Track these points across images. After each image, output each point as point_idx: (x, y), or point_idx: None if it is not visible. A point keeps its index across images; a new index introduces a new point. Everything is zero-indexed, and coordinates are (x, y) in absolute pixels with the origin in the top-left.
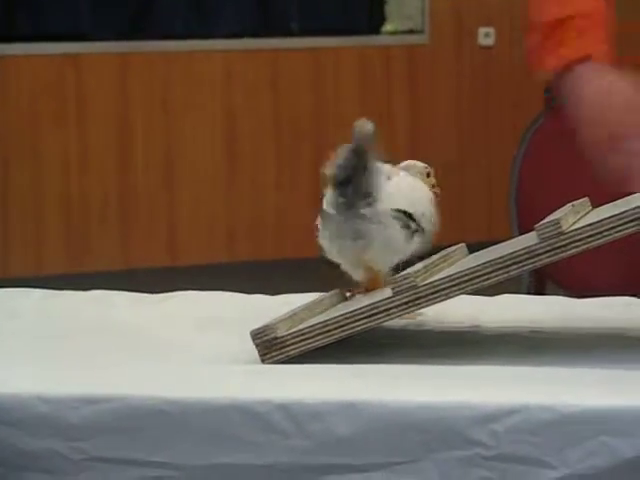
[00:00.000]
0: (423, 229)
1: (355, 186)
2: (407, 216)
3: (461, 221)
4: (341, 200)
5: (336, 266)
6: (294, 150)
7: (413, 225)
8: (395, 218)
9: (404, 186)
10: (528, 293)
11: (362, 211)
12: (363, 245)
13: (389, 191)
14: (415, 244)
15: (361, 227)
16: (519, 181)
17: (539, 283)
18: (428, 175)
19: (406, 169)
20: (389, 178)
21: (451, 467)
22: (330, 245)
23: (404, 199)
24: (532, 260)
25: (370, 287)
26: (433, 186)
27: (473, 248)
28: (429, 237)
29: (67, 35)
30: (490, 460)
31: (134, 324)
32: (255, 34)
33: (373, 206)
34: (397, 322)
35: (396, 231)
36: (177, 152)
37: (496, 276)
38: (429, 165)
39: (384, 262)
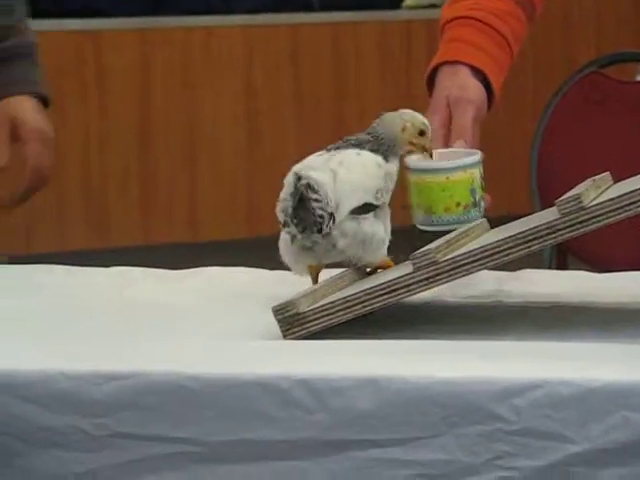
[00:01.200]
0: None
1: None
2: (363, 208)
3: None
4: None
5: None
6: (314, 125)
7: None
8: (353, 219)
9: (347, 181)
10: (549, 268)
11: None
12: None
13: (337, 197)
14: (385, 214)
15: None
16: (540, 154)
17: (561, 257)
18: (422, 133)
19: (400, 112)
20: (335, 174)
21: (472, 442)
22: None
23: (353, 196)
24: (553, 235)
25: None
26: (424, 148)
27: (494, 222)
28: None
29: (87, 11)
30: (511, 435)
31: (156, 300)
32: (275, 9)
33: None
34: (418, 297)
35: (364, 227)
36: (197, 127)
37: (517, 251)
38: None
39: (374, 255)
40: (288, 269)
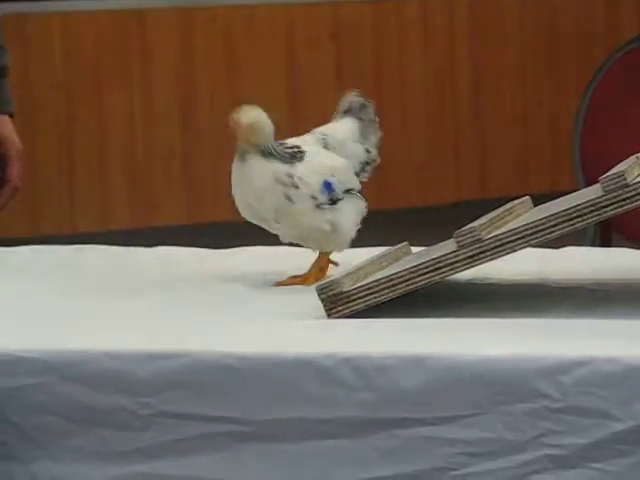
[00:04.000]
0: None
1: None
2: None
3: (526, 173)
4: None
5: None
6: None
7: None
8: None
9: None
10: (593, 245)
11: None
12: None
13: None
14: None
15: None
16: (583, 131)
17: (604, 235)
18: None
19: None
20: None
21: (517, 420)
22: None
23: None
24: (597, 213)
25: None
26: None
27: (538, 200)
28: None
29: None
30: (556, 412)
31: (199, 280)
32: None
33: None
34: (462, 275)
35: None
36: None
37: (561, 229)
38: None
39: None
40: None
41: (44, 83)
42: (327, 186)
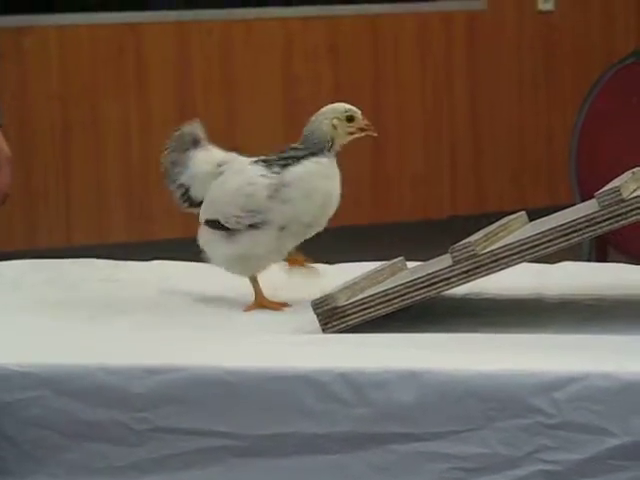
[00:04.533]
0: (238, 229)
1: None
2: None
3: (522, 187)
4: None
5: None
6: None
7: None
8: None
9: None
10: (589, 260)
11: None
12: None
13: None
14: (242, 244)
15: None
16: (580, 145)
17: (601, 250)
18: (350, 119)
19: (322, 114)
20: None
21: (512, 435)
22: None
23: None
24: (592, 228)
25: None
26: (362, 129)
27: (534, 214)
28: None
29: (127, 4)
30: (551, 428)
31: (196, 295)
32: (313, 1)
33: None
34: (458, 291)
35: (213, 240)
36: (237, 120)
37: (557, 244)
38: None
39: (240, 272)
40: (333, 261)
41: (41, 96)
42: None
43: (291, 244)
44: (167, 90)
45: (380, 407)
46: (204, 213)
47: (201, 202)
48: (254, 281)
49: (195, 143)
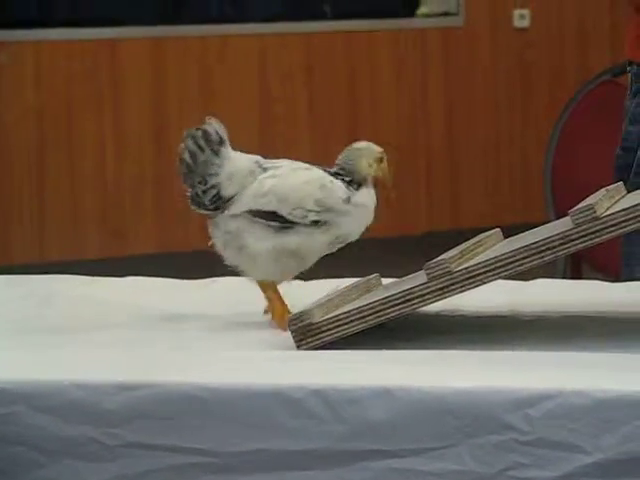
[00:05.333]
0: (298, 223)
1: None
2: (269, 215)
3: (497, 204)
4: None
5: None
6: (329, 134)
7: (276, 223)
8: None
9: (267, 184)
10: (564, 277)
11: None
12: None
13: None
14: (296, 239)
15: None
16: (554, 163)
17: (575, 266)
18: (380, 161)
19: (361, 152)
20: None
21: (486, 452)
22: None
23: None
24: (566, 245)
25: (269, 304)
26: (383, 174)
27: (510, 231)
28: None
29: (103, 20)
30: (525, 445)
31: (170, 311)
32: (289, 18)
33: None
34: (432, 307)
35: (251, 235)
36: None
37: (531, 261)
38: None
39: (258, 273)
40: (308, 278)
41: (16, 111)
42: None
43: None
44: (143, 106)
45: (355, 424)
46: (247, 204)
47: (228, 200)
48: (274, 289)
49: (222, 142)
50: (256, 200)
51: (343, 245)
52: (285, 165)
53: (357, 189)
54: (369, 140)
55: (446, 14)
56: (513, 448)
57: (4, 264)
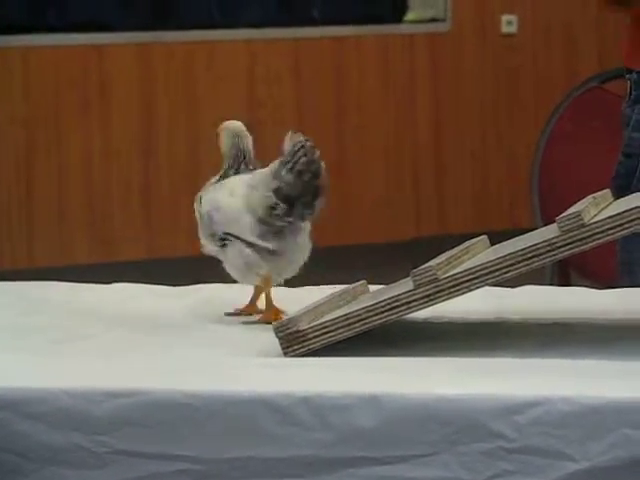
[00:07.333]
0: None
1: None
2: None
3: (484, 209)
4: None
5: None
6: (316, 139)
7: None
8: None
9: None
10: (551, 283)
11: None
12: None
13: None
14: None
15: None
16: (541, 169)
17: (562, 273)
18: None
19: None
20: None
21: (473, 460)
22: None
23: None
24: (553, 252)
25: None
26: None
27: (497, 237)
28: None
29: (90, 26)
30: (512, 452)
31: (157, 317)
32: (277, 23)
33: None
34: (419, 314)
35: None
36: (200, 141)
37: (517, 268)
38: None
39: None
40: (291, 285)
41: (3, 117)
42: None
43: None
44: (131, 112)
45: (341, 431)
46: None
47: None
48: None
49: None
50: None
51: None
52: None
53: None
54: (357, 145)
55: (434, 20)
56: (500, 455)
57: None
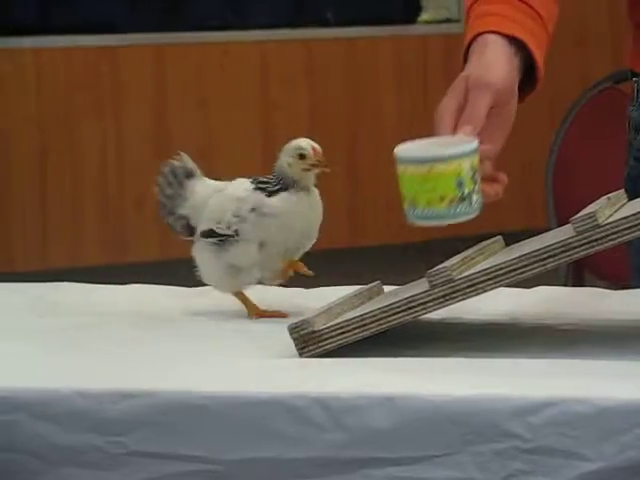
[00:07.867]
0: (228, 235)
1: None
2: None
3: (499, 210)
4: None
5: None
6: (329, 141)
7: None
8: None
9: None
10: (566, 284)
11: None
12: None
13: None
14: (238, 251)
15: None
16: (556, 170)
17: (577, 274)
18: (302, 157)
19: (282, 153)
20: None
21: (488, 460)
22: None
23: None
24: (568, 253)
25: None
26: (314, 165)
27: (511, 238)
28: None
29: (103, 27)
30: (526, 453)
31: (172, 318)
32: (290, 24)
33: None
34: (434, 315)
35: (206, 253)
36: (213, 143)
37: (532, 269)
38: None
39: (224, 288)
40: (303, 286)
41: (18, 118)
42: None
43: (274, 263)
44: (144, 113)
45: (356, 432)
46: (199, 228)
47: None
48: (241, 295)
49: (189, 175)
50: (201, 222)
51: (297, 253)
52: (230, 184)
53: (279, 192)
54: (370, 147)
55: (448, 20)
56: (515, 456)
57: (7, 272)
